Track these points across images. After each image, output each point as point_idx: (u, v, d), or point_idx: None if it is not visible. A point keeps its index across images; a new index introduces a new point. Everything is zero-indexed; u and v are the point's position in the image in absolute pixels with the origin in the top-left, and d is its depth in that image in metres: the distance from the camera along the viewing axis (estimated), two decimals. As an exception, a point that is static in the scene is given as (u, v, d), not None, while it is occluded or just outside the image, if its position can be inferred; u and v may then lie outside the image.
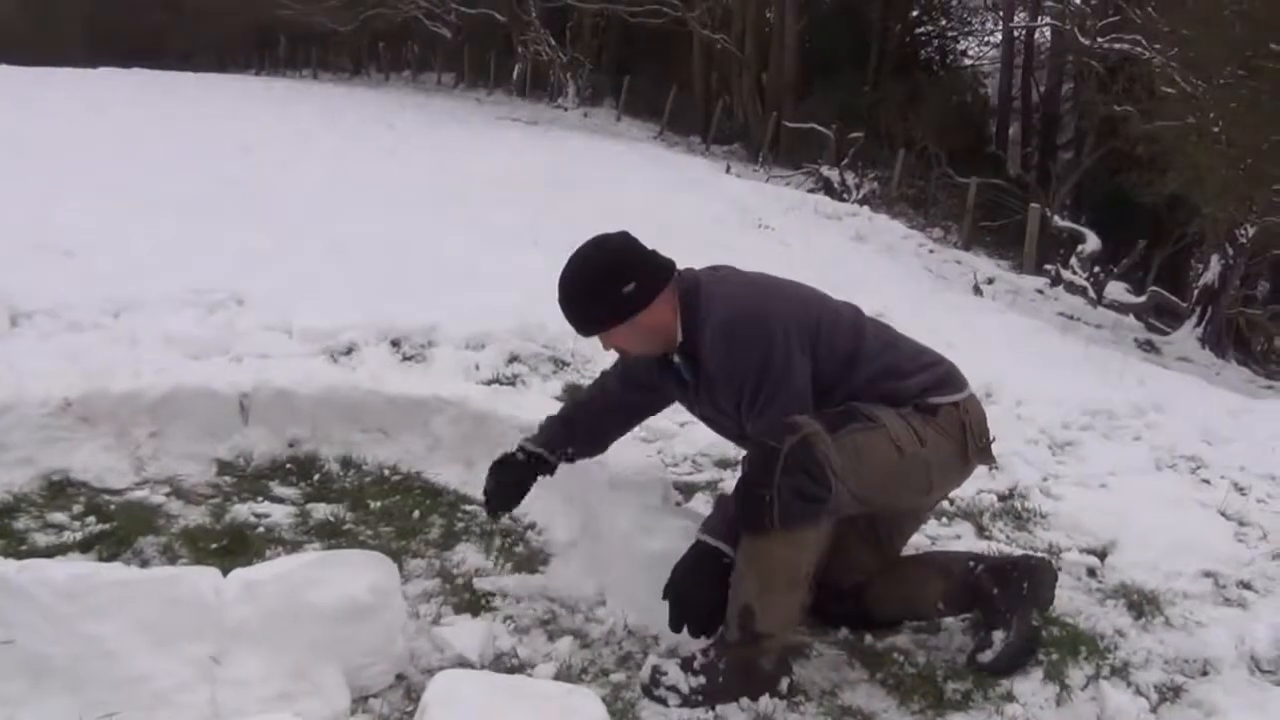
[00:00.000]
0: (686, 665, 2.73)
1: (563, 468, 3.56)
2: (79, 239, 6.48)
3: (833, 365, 2.87)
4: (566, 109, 30.02)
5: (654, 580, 2.89)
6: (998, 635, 2.94)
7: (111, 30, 43.32)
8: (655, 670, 2.75)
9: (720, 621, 2.80)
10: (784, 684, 2.76)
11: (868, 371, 2.88)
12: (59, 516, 3.40)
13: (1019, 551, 3.63)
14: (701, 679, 2.69)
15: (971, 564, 3.07)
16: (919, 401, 2.87)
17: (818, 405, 2.81)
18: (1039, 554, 3.57)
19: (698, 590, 2.81)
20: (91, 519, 3.40)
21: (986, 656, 2.93)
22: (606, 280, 2.86)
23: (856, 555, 3.08)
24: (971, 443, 2.94)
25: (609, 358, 5.33)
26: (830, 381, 2.86)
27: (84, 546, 3.23)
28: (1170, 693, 2.93)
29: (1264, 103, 12.79)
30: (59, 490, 3.56)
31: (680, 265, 3.01)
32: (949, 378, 2.98)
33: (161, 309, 5.24)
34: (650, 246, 2.98)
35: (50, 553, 3.14)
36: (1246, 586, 3.68)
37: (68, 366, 4.19)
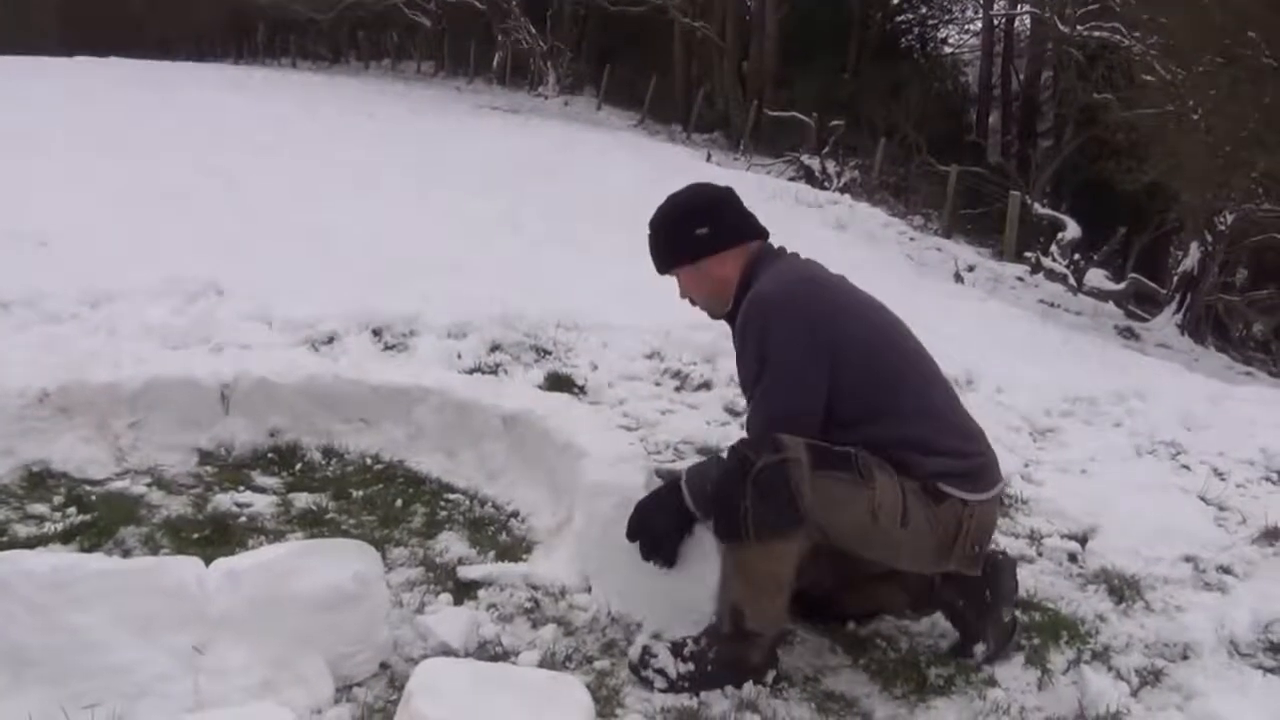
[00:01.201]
0: (676, 651, 2.73)
1: (544, 454, 3.56)
2: (54, 229, 6.45)
3: (860, 401, 2.76)
4: (547, 97, 29.96)
5: (637, 567, 2.90)
6: (979, 649, 2.94)
7: (87, 19, 43.02)
8: (645, 651, 2.76)
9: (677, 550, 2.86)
10: (769, 675, 2.76)
11: (896, 430, 2.76)
12: (39, 507, 3.38)
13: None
14: (690, 666, 2.70)
15: (929, 575, 2.99)
16: (929, 483, 2.73)
17: (833, 435, 2.72)
18: (991, 550, 3.42)
19: (655, 518, 2.85)
20: (72, 510, 3.38)
21: (971, 664, 2.94)
22: (684, 218, 3.00)
23: (824, 568, 3.04)
24: (959, 547, 2.78)
25: (592, 348, 5.37)
26: (852, 417, 2.75)
27: (65, 537, 3.21)
28: (1151, 676, 2.95)
29: (1243, 90, 12.85)
30: (39, 481, 3.54)
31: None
32: (975, 473, 2.80)
33: (140, 299, 5.22)
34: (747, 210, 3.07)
35: (31, 544, 3.11)
36: (1226, 571, 3.70)
37: (45, 357, 4.16)
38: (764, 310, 2.80)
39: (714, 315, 3.09)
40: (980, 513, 2.80)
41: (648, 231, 3.07)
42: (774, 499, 2.59)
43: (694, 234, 2.96)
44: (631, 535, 2.89)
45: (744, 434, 2.96)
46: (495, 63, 33.48)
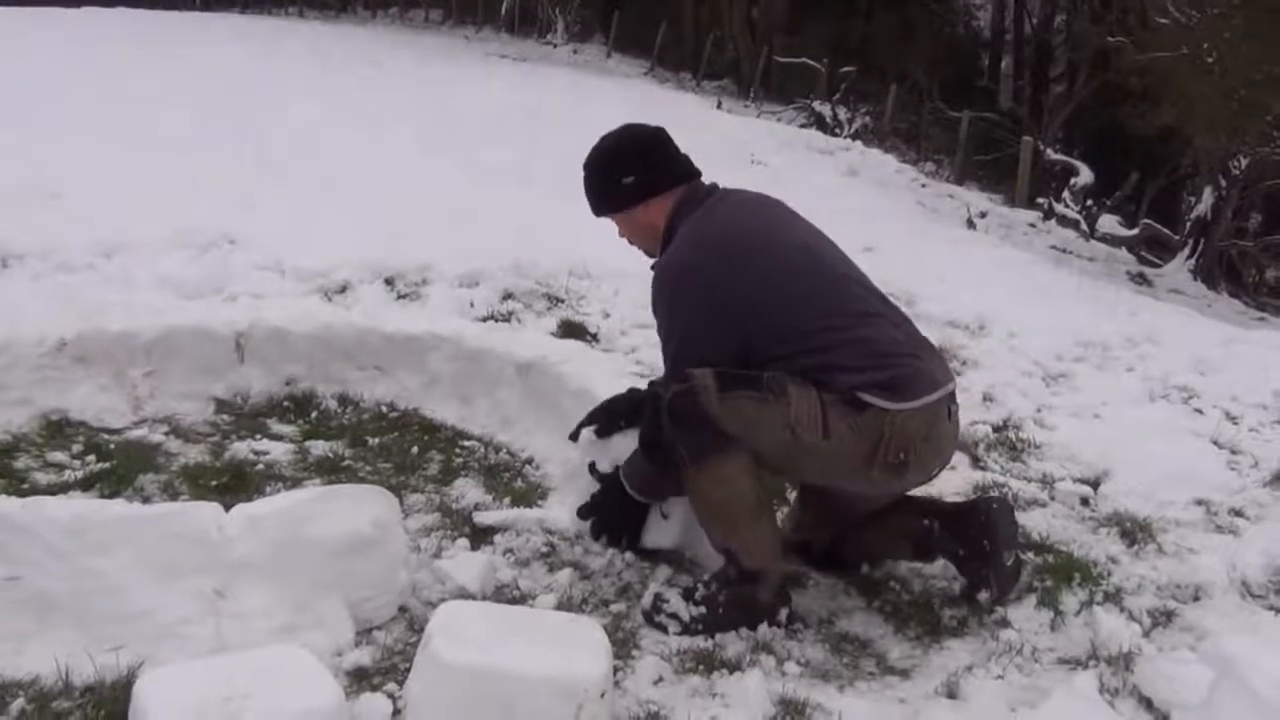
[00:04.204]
0: (688, 595, 2.77)
1: (558, 401, 3.57)
2: (67, 181, 6.43)
3: (775, 344, 2.75)
4: (556, 45, 29.69)
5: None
6: (983, 596, 2.95)
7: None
8: (657, 597, 2.79)
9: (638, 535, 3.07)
10: (782, 614, 2.79)
11: (811, 359, 2.73)
12: (59, 456, 3.41)
13: (974, 495, 3.57)
14: (702, 609, 2.73)
15: (928, 523, 2.99)
16: (849, 395, 2.68)
17: (758, 366, 2.72)
18: (986, 496, 3.41)
19: (610, 513, 3.08)
20: (91, 458, 3.41)
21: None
22: (610, 167, 3.02)
23: (817, 521, 3.09)
24: (881, 455, 2.71)
25: (604, 295, 5.37)
26: (771, 356, 2.74)
27: (85, 485, 3.24)
28: (1163, 617, 2.97)
29: (1258, 32, 12.70)
30: (58, 430, 3.57)
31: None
32: (901, 382, 2.72)
33: (154, 249, 5.21)
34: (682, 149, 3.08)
35: (52, 491, 3.15)
36: (1238, 514, 3.71)
37: (61, 307, 4.17)
38: (666, 281, 2.87)
39: (650, 257, 3.08)
40: (903, 421, 2.70)
41: (583, 172, 3.10)
42: (689, 424, 2.66)
43: (620, 183, 2.99)
44: (584, 516, 3.12)
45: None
46: (503, 10, 33.16)
